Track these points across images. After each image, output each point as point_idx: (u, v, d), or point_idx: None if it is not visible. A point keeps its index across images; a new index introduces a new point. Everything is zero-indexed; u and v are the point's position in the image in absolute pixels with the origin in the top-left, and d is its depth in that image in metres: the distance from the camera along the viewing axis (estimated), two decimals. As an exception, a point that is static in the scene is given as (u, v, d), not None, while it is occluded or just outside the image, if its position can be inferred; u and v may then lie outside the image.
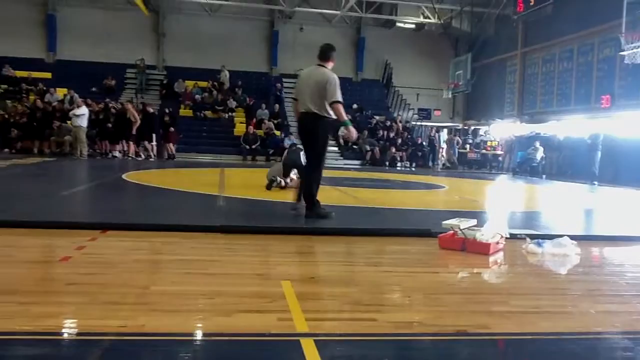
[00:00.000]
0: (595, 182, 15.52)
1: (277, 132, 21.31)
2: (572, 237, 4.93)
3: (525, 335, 2.72)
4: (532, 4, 20.26)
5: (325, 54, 6.05)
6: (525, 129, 22.01)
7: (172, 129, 18.72)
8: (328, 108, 5.82)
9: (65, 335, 2.49)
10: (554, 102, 20.50)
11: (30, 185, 8.81)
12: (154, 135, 18.27)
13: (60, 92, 20.59)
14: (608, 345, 2.71)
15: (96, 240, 4.53)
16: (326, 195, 9.02)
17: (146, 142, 18.15)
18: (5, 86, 21.47)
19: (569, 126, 19.71)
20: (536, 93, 21.66)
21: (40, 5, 24.47)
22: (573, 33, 18.99)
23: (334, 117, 5.89)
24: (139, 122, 17.71)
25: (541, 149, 19.10)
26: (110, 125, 18.06)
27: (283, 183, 8.84)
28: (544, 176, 18.45)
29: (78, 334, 2.50)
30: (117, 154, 17.98)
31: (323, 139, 6.02)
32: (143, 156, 18.03)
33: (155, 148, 18.36)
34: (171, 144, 18.78)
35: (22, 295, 2.95)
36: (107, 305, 2.85)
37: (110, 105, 18.81)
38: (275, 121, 21.90)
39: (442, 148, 23.71)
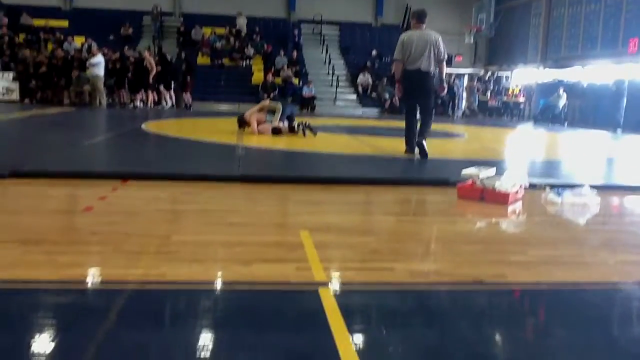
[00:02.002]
0: (619, 130, 15.24)
1: (296, 80, 21.09)
2: (593, 187, 4.89)
3: (542, 285, 2.73)
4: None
5: (424, 17, 7.15)
6: (549, 75, 21.50)
7: (188, 77, 18.53)
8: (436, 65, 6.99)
9: (89, 284, 2.57)
10: (579, 46, 19.91)
11: (50, 136, 8.91)
12: (172, 83, 18.20)
13: (78, 41, 20.51)
14: (625, 295, 2.71)
15: (117, 190, 4.60)
16: (344, 144, 9.04)
17: (163, 89, 18.10)
18: (24, 35, 21.43)
19: (594, 72, 19.21)
20: (561, 37, 21.02)
21: (56, -49, 24.11)
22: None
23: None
24: (155, 70, 17.64)
25: (564, 96, 18.71)
26: (130, 75, 18.02)
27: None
28: (566, 123, 18.15)
29: (102, 282, 2.58)
30: (138, 103, 17.99)
31: (433, 91, 7.25)
32: (165, 104, 18.03)
33: (173, 97, 18.33)
34: (188, 94, 18.66)
35: (47, 245, 3.03)
36: (129, 254, 2.91)
37: (129, 54, 18.66)
38: (294, 68, 21.65)
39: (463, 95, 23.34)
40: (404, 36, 7.11)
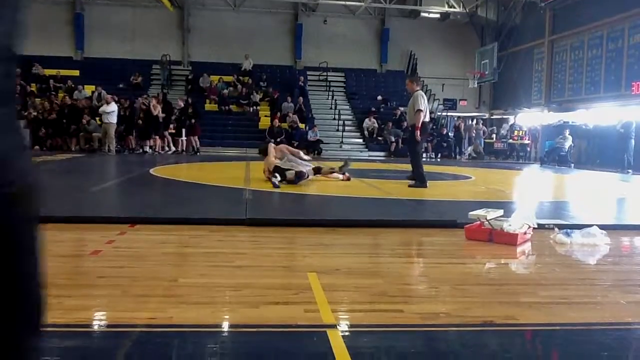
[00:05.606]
0: (630, 170, 15.23)
1: (302, 125, 21.32)
2: (602, 227, 4.86)
3: (554, 326, 2.69)
4: (559, -10, 19.90)
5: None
6: (553, 118, 21.65)
7: (193, 120, 18.67)
8: None
9: (97, 327, 2.55)
10: (582, 89, 20.10)
11: (61, 181, 8.98)
12: (183, 130, 18.48)
13: (88, 89, 20.93)
14: (638, 336, 2.66)
15: (125, 234, 4.61)
16: (351, 187, 9.05)
17: (166, 133, 18.41)
18: (36, 84, 21.89)
19: (598, 114, 19.32)
20: (564, 81, 21.26)
21: (68, 5, 24.89)
22: (602, 19, 18.58)
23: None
24: (160, 115, 17.98)
25: (570, 138, 18.79)
26: (140, 122, 18.31)
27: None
28: (572, 165, 18.16)
29: (108, 325, 2.56)
30: (147, 149, 18.22)
31: None
32: (174, 149, 18.28)
33: (184, 142, 18.57)
34: (196, 137, 18.83)
35: (55, 289, 3.01)
36: (137, 297, 2.90)
37: (141, 101, 18.95)
38: (301, 114, 21.92)
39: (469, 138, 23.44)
40: (421, 93, 8.82)
